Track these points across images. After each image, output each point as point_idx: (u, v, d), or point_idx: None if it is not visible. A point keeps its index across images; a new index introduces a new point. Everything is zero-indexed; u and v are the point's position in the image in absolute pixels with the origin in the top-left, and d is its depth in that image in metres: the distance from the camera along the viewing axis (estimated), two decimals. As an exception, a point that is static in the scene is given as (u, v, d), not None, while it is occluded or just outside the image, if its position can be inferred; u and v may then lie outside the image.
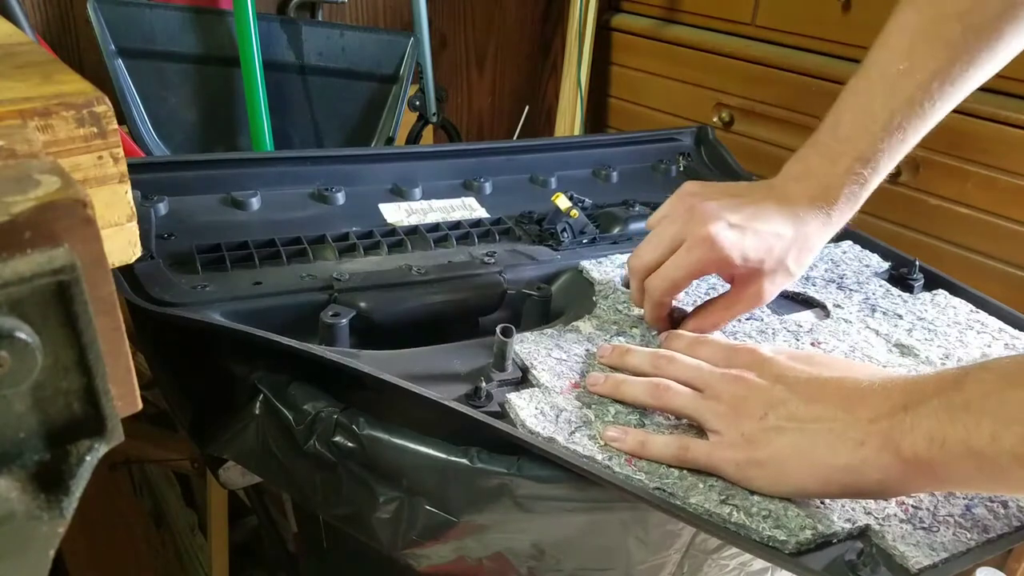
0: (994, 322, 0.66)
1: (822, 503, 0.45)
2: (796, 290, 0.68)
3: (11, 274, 0.22)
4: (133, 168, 0.47)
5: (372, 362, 0.52)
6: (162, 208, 0.70)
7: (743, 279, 0.58)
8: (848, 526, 0.44)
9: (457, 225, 0.73)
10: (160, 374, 0.60)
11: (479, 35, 1.53)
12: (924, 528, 0.44)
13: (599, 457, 0.47)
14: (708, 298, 0.62)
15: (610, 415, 0.50)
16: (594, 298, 0.64)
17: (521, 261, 0.68)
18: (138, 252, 0.37)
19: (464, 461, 0.46)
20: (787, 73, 1.19)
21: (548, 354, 0.55)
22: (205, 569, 0.99)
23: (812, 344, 0.61)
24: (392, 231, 0.71)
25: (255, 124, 1.13)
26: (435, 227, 0.72)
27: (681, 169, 0.94)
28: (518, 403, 0.50)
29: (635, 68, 1.44)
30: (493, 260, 0.67)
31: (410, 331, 0.61)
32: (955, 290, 0.70)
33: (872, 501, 0.46)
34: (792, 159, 0.61)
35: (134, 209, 0.36)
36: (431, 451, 0.46)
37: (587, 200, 0.78)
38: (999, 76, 0.58)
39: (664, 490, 0.45)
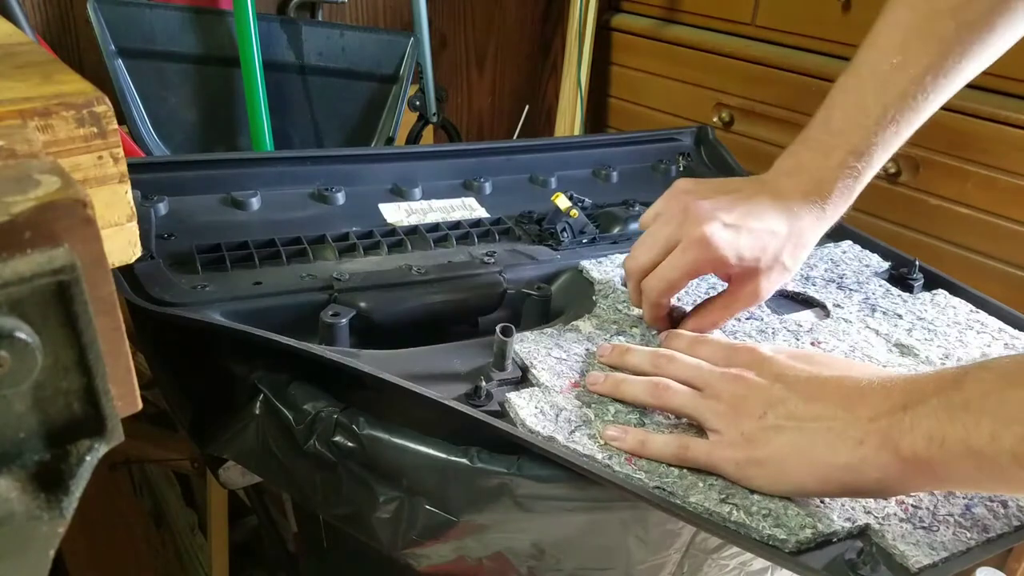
0: (994, 322, 0.66)
1: (822, 502, 0.45)
2: (796, 290, 0.68)
3: (11, 274, 0.22)
4: (133, 168, 0.47)
5: (372, 362, 0.52)
6: (162, 208, 0.70)
7: (740, 278, 0.58)
8: (848, 525, 0.44)
9: (457, 225, 0.73)
10: (160, 374, 0.60)
11: (479, 35, 1.53)
12: (924, 527, 0.44)
13: (599, 456, 0.47)
14: (708, 297, 0.62)
15: (610, 414, 0.50)
16: (594, 298, 0.64)
17: (521, 261, 0.68)
18: (138, 252, 0.37)
19: (464, 461, 0.46)
20: (787, 73, 1.19)
21: (548, 353, 0.55)
22: (205, 569, 0.99)
23: (812, 344, 0.61)
24: (392, 231, 0.71)
25: (255, 124, 1.13)
26: (435, 227, 0.72)
27: (681, 169, 0.94)
28: (518, 402, 0.50)
29: (635, 68, 1.44)
30: (493, 260, 0.67)
31: (410, 331, 0.61)
32: (955, 290, 0.70)
33: (872, 500, 0.46)
34: (783, 155, 0.61)
35: (134, 209, 0.36)
36: (431, 451, 0.47)
37: (587, 200, 0.78)
38: (999, 76, 0.59)
39: (664, 489, 0.45)
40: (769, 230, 0.56)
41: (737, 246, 0.55)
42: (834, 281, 0.70)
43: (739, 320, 0.63)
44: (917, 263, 0.72)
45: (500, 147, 0.87)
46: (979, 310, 0.67)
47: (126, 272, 0.59)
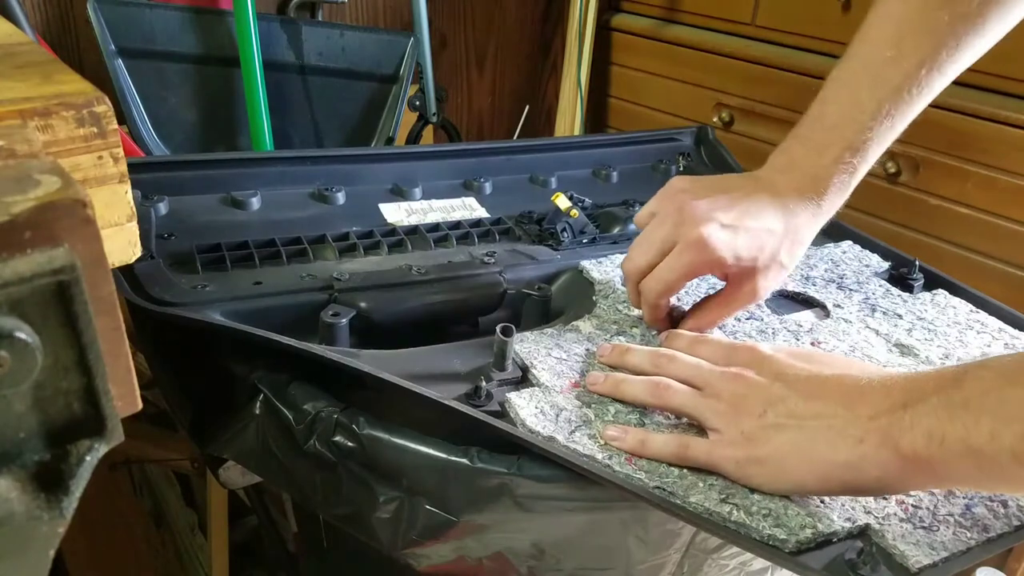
0: (994, 322, 0.66)
1: (822, 502, 0.45)
2: (796, 290, 0.68)
3: (11, 274, 0.22)
4: (133, 168, 0.47)
5: (372, 362, 0.52)
6: (162, 208, 0.70)
7: (738, 277, 0.58)
8: (848, 525, 0.44)
9: (457, 225, 0.73)
10: (160, 374, 0.60)
11: (479, 35, 1.53)
12: (924, 527, 0.44)
13: (599, 456, 0.47)
14: (707, 296, 0.62)
15: (610, 414, 0.50)
16: (594, 298, 0.64)
17: (521, 261, 0.68)
18: (138, 252, 0.37)
19: (464, 461, 0.46)
20: (787, 73, 1.19)
21: (548, 353, 0.55)
22: (205, 569, 0.99)
23: (812, 344, 0.61)
24: (392, 231, 0.71)
25: (255, 124, 1.13)
26: (435, 227, 0.72)
27: (681, 169, 0.94)
28: (518, 402, 0.50)
29: (635, 68, 1.44)
30: (493, 260, 0.67)
31: (410, 331, 0.61)
32: (955, 290, 0.70)
33: (872, 500, 0.46)
34: (776, 151, 0.61)
35: (134, 209, 0.36)
36: (431, 451, 0.47)
37: (587, 200, 0.78)
38: (999, 76, 0.59)
39: (664, 489, 0.45)
40: (766, 229, 0.56)
41: (734, 247, 0.55)
42: (834, 281, 0.70)
43: (739, 320, 0.63)
44: (917, 263, 0.72)
45: (500, 147, 0.87)
46: (979, 310, 0.67)
47: (126, 272, 0.59)
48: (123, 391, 0.27)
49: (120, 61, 1.09)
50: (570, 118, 1.47)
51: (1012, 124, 0.95)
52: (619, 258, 0.69)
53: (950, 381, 0.41)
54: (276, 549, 0.92)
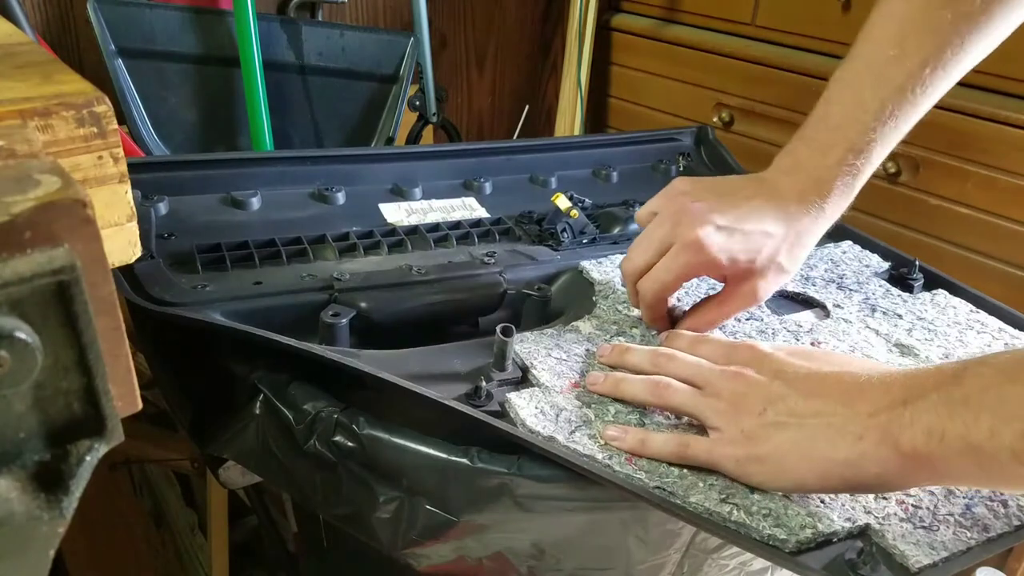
0: (994, 322, 0.66)
1: (822, 502, 0.45)
2: (796, 290, 0.68)
3: (11, 274, 0.22)
4: (133, 168, 0.47)
5: (372, 362, 0.52)
6: (162, 208, 0.70)
7: (735, 279, 0.58)
8: (848, 525, 0.44)
9: (457, 225, 0.73)
10: (160, 374, 0.60)
11: (479, 35, 1.53)
12: (924, 527, 0.44)
13: (599, 456, 0.47)
14: (705, 297, 0.62)
15: (610, 414, 0.50)
16: (594, 298, 0.64)
17: (521, 261, 0.68)
18: (138, 252, 0.37)
19: (464, 461, 0.46)
20: (787, 73, 1.19)
21: (548, 354, 0.55)
22: (205, 569, 0.99)
23: (812, 344, 0.61)
24: (392, 231, 0.71)
25: (255, 124, 1.13)
26: (435, 227, 0.72)
27: (681, 169, 0.94)
28: (518, 403, 0.50)
29: (635, 68, 1.44)
30: (493, 260, 0.67)
31: (410, 331, 0.61)
32: (955, 290, 0.70)
33: (872, 500, 0.46)
34: (782, 152, 0.60)
35: (134, 209, 0.36)
36: (431, 451, 0.46)
37: (587, 200, 0.78)
38: (999, 76, 0.58)
39: (664, 489, 0.45)
40: (764, 232, 0.56)
41: (730, 249, 0.55)
42: (834, 281, 0.70)
43: (739, 321, 0.63)
44: (917, 263, 0.72)
45: (500, 147, 0.87)
46: (979, 310, 0.67)
47: (126, 272, 0.59)
48: (123, 391, 0.27)
49: (120, 61, 1.09)
50: (570, 118, 1.47)
51: (1012, 124, 0.95)
52: (619, 258, 0.69)
53: (950, 378, 0.41)
54: (276, 549, 0.92)
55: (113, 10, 1.07)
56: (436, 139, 1.40)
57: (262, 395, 0.52)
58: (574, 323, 0.60)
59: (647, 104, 1.44)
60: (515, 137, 1.62)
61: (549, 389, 0.52)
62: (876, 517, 0.45)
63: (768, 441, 0.45)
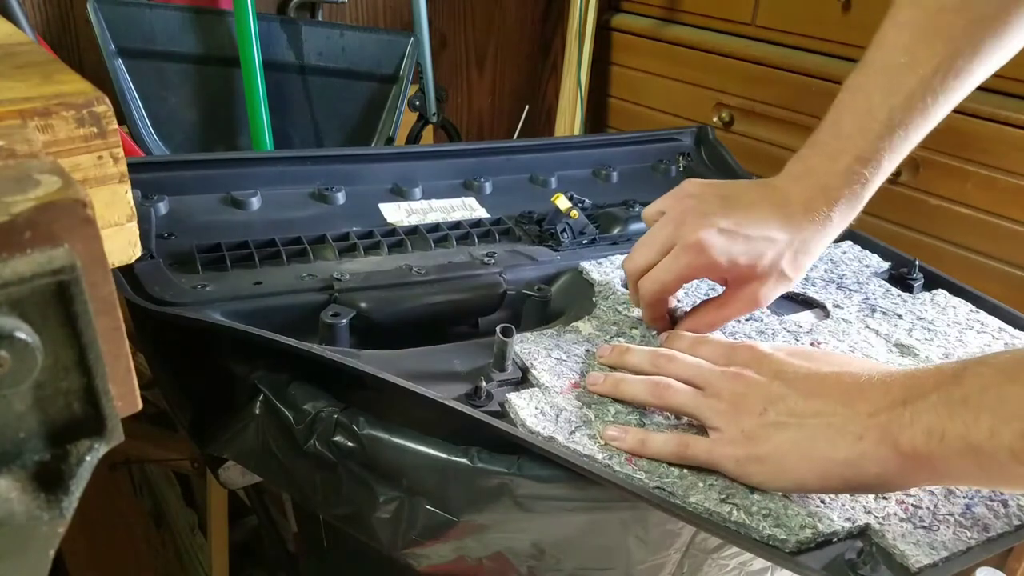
0: (994, 322, 0.66)
1: (822, 502, 0.45)
2: (796, 290, 0.68)
3: (11, 274, 0.22)
4: (133, 168, 0.47)
5: (372, 362, 0.52)
6: (162, 208, 0.70)
7: (735, 283, 0.58)
8: (848, 525, 0.44)
9: (457, 225, 0.73)
10: (160, 374, 0.60)
11: (479, 35, 1.53)
12: (924, 527, 0.44)
13: (599, 456, 0.47)
14: (706, 299, 0.62)
15: (610, 415, 0.50)
16: (594, 299, 0.64)
17: (521, 261, 0.68)
18: (138, 252, 0.37)
19: (464, 461, 0.46)
20: (787, 73, 1.19)
21: (548, 354, 0.55)
22: (205, 569, 0.99)
23: (812, 344, 0.61)
24: (392, 231, 0.71)
25: (255, 124, 1.13)
26: (435, 227, 0.72)
27: (681, 169, 0.94)
28: (518, 403, 0.50)
29: (635, 68, 1.44)
30: (493, 260, 0.67)
31: (410, 331, 0.61)
32: (955, 290, 0.70)
33: (872, 500, 0.46)
34: (794, 157, 0.60)
35: (134, 209, 0.36)
36: (431, 451, 0.46)
37: (587, 200, 0.78)
38: (999, 76, 0.58)
39: (664, 489, 0.45)
40: (766, 237, 0.56)
41: (730, 251, 0.55)
42: (834, 281, 0.70)
43: (739, 321, 0.63)
44: (917, 263, 0.72)
45: (500, 147, 0.87)
46: (979, 310, 0.67)
47: (126, 272, 0.59)
48: (123, 391, 0.27)
49: (120, 61, 1.09)
50: (570, 118, 1.47)
51: (1012, 124, 0.95)
52: (619, 259, 0.69)
53: (949, 378, 0.41)
54: (276, 549, 0.92)
55: (113, 10, 1.07)
56: (436, 139, 1.40)
57: (262, 395, 0.52)
58: (574, 324, 0.60)
59: (647, 104, 1.44)
60: (515, 137, 1.62)
61: (549, 389, 0.52)
62: (876, 517, 0.45)
63: (768, 441, 0.45)
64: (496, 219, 0.76)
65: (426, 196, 0.80)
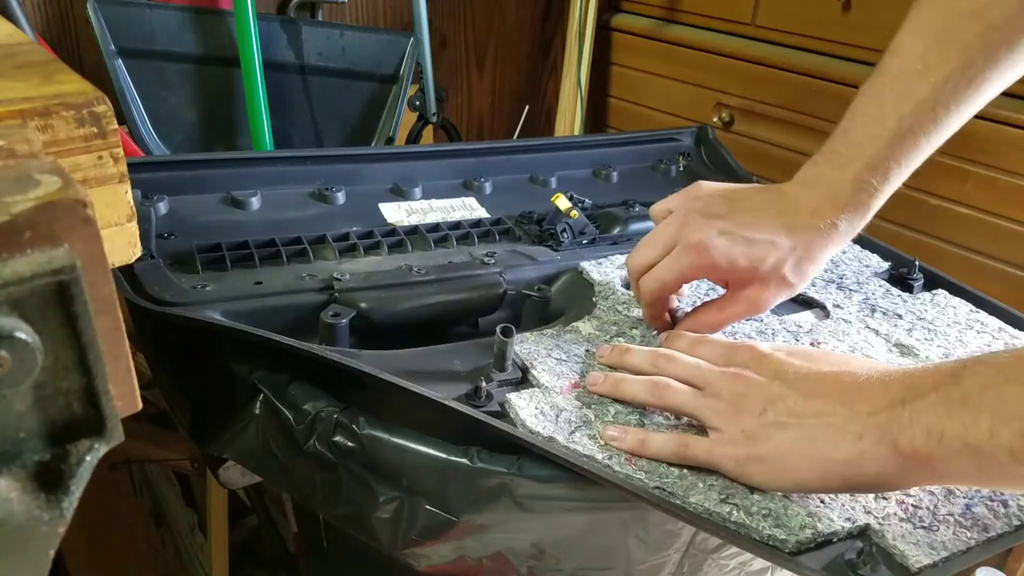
0: (994, 322, 0.66)
1: (822, 502, 0.45)
2: (796, 290, 0.68)
3: (11, 274, 0.22)
4: (133, 167, 0.47)
5: (372, 362, 0.52)
6: (162, 208, 0.70)
7: (736, 285, 0.58)
8: (848, 525, 0.44)
9: (457, 225, 0.73)
10: (160, 374, 0.60)
11: (479, 35, 1.53)
12: (924, 527, 0.44)
13: (599, 456, 0.47)
14: (706, 300, 0.62)
15: (610, 415, 0.50)
16: (594, 299, 0.64)
17: (521, 262, 0.68)
18: (138, 252, 0.37)
19: (464, 461, 0.46)
20: (787, 73, 1.19)
21: (548, 354, 0.55)
22: (205, 569, 0.99)
23: (812, 344, 0.61)
24: (392, 231, 0.71)
25: (255, 124, 1.13)
26: (435, 227, 0.72)
27: (681, 169, 0.94)
28: (518, 403, 0.50)
29: (635, 68, 1.44)
30: (493, 260, 0.67)
31: (410, 331, 0.61)
32: (955, 290, 0.70)
33: (872, 500, 0.46)
34: (807, 163, 0.59)
35: (134, 209, 0.36)
36: (431, 451, 0.46)
37: (587, 200, 0.78)
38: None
39: (664, 489, 0.45)
40: (768, 241, 0.56)
41: (731, 253, 0.55)
42: (834, 281, 0.70)
43: (738, 321, 0.63)
44: (917, 263, 0.72)
45: (500, 147, 0.87)
46: (979, 310, 0.67)
47: (126, 272, 0.59)
48: (123, 391, 0.27)
49: (120, 61, 1.09)
50: (570, 118, 1.47)
51: (1012, 124, 0.95)
52: (619, 259, 0.69)
53: (948, 377, 0.41)
54: (276, 549, 0.92)
55: (113, 10, 1.07)
56: (436, 139, 1.40)
57: (262, 395, 0.52)
58: (574, 324, 0.60)
59: (647, 104, 1.44)
60: (515, 137, 1.62)
61: (549, 389, 0.52)
62: (876, 517, 0.45)
63: (768, 441, 0.45)
64: (496, 219, 0.76)
65: (426, 196, 0.80)
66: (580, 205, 0.75)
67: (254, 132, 1.13)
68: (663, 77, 1.39)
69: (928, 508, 0.46)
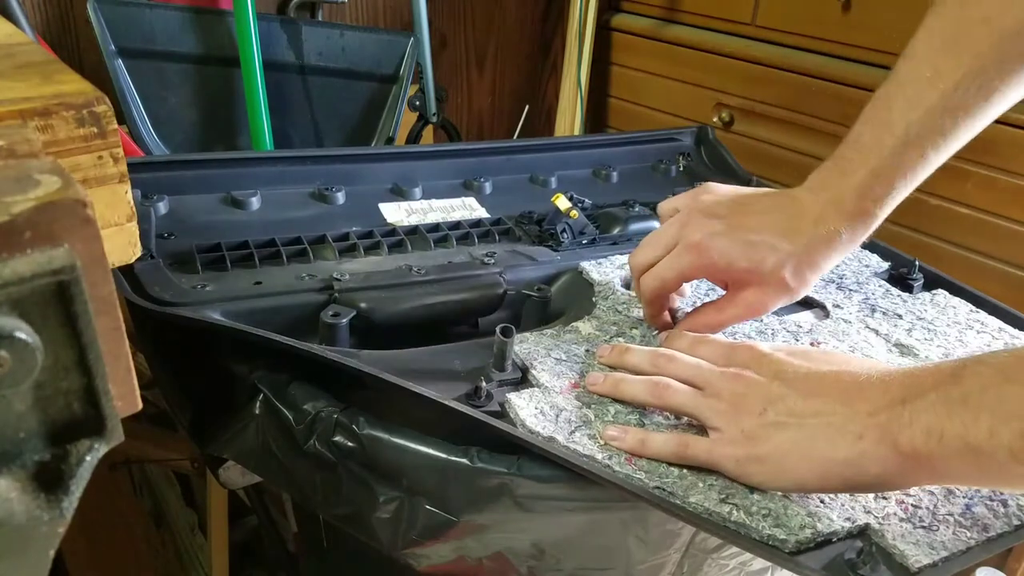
0: (994, 322, 0.66)
1: (822, 502, 0.45)
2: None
3: (11, 274, 0.22)
4: (133, 167, 0.47)
5: (372, 362, 0.52)
6: (162, 208, 0.70)
7: (735, 286, 0.58)
8: (848, 525, 0.44)
9: (457, 225, 0.73)
10: (160, 374, 0.60)
11: (479, 35, 1.53)
12: (924, 527, 0.44)
13: (599, 456, 0.47)
14: (706, 301, 0.62)
15: (610, 415, 0.50)
16: (594, 299, 0.64)
17: (521, 262, 0.68)
18: (138, 252, 0.37)
19: (464, 461, 0.46)
20: (787, 73, 1.19)
21: (548, 354, 0.55)
22: (205, 569, 0.99)
23: (812, 344, 0.61)
24: (392, 231, 0.71)
25: (255, 124, 1.13)
26: (435, 227, 0.72)
27: (681, 169, 0.94)
28: (518, 403, 0.50)
29: (635, 68, 1.44)
30: (493, 260, 0.67)
31: (410, 331, 0.61)
32: (955, 290, 0.70)
33: (872, 500, 0.46)
34: (817, 168, 0.58)
35: (134, 209, 0.36)
36: (431, 451, 0.46)
37: (587, 200, 0.78)
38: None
39: (664, 489, 0.45)
40: (769, 244, 0.55)
41: (730, 253, 0.55)
42: (834, 281, 0.70)
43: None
44: (917, 263, 0.72)
45: (500, 147, 0.87)
46: (979, 310, 0.67)
47: (126, 272, 0.59)
48: (123, 391, 0.27)
49: (120, 61, 1.09)
50: (570, 118, 1.47)
51: (1012, 124, 0.95)
52: (619, 259, 0.69)
53: (948, 377, 0.41)
54: (276, 549, 0.92)
55: (113, 10, 1.07)
56: (436, 139, 1.40)
57: (262, 395, 0.52)
58: (574, 324, 0.60)
59: (647, 104, 1.44)
60: (515, 137, 1.62)
61: (549, 389, 0.52)
62: (876, 517, 0.45)
63: (768, 441, 0.45)
64: (496, 219, 0.76)
65: (426, 196, 0.80)
66: (580, 205, 0.75)
67: (254, 132, 1.13)
68: (663, 77, 1.39)
69: (928, 508, 0.46)
